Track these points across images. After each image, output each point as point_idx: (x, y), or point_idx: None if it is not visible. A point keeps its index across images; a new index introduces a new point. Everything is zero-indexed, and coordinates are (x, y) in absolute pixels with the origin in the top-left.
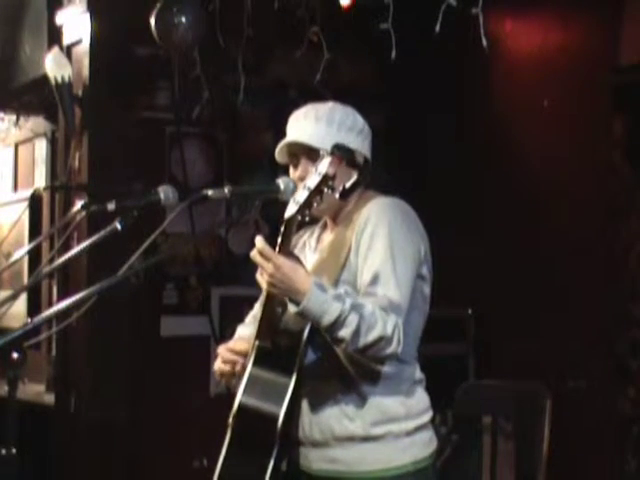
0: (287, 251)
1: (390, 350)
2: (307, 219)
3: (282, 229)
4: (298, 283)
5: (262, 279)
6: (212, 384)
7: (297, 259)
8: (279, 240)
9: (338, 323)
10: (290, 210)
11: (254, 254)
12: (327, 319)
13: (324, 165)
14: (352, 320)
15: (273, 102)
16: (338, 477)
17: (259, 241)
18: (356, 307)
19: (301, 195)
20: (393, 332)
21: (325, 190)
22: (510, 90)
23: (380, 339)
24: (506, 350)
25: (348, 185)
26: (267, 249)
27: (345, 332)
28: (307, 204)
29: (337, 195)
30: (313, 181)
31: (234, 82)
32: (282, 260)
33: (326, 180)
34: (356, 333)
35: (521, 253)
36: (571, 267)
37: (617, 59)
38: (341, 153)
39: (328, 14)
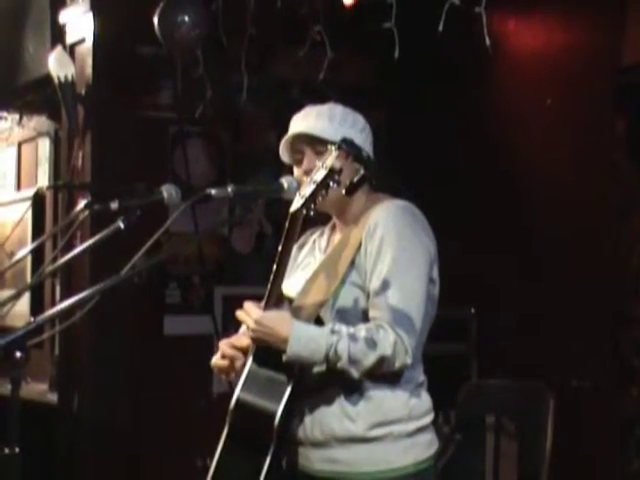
0: (275, 298)
1: (397, 365)
2: (312, 213)
3: (287, 223)
4: (281, 333)
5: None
6: (215, 383)
7: (284, 304)
8: (284, 235)
9: (330, 357)
10: (295, 204)
11: (239, 313)
12: (318, 357)
13: (331, 159)
14: (342, 350)
15: (276, 101)
16: (339, 478)
17: (246, 303)
18: (344, 336)
19: (307, 189)
20: (394, 350)
21: (331, 184)
22: (513, 89)
23: (381, 360)
24: (509, 349)
25: (355, 180)
26: (247, 305)
27: (341, 364)
28: (312, 198)
29: (343, 190)
30: (319, 175)
31: (237, 81)
32: (261, 314)
33: (332, 174)
34: (352, 361)
35: (523, 252)
36: (574, 266)
37: (620, 59)
38: (348, 148)
39: (331, 13)
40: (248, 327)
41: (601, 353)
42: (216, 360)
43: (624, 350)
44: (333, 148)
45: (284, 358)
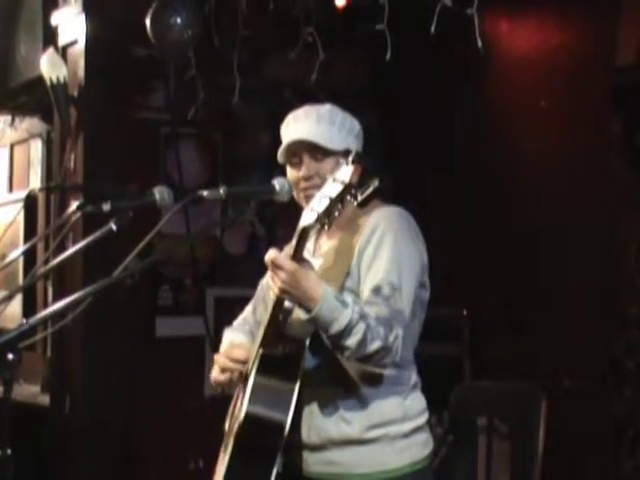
0: (300, 257)
1: (388, 360)
2: (327, 227)
3: (297, 237)
4: (310, 290)
5: (274, 285)
6: (207, 385)
7: (310, 265)
8: (293, 247)
9: (346, 331)
10: (308, 219)
11: (270, 261)
12: (336, 327)
13: (345, 174)
14: (359, 329)
15: (268, 103)
16: (337, 479)
17: (272, 251)
18: (363, 316)
19: (320, 204)
20: (393, 343)
21: (348, 198)
22: (506, 91)
23: (381, 349)
24: (501, 351)
25: (368, 192)
26: (280, 256)
27: (351, 341)
28: (327, 213)
29: (355, 203)
30: (334, 190)
31: (229, 83)
32: (295, 267)
33: (349, 188)
34: (362, 342)
35: (517, 253)
36: (568, 267)
37: (615, 60)
38: (361, 161)
39: (323, 15)
40: (277, 277)
41: (594, 354)
42: (217, 375)
43: (616, 351)
44: (348, 162)
45: (304, 316)
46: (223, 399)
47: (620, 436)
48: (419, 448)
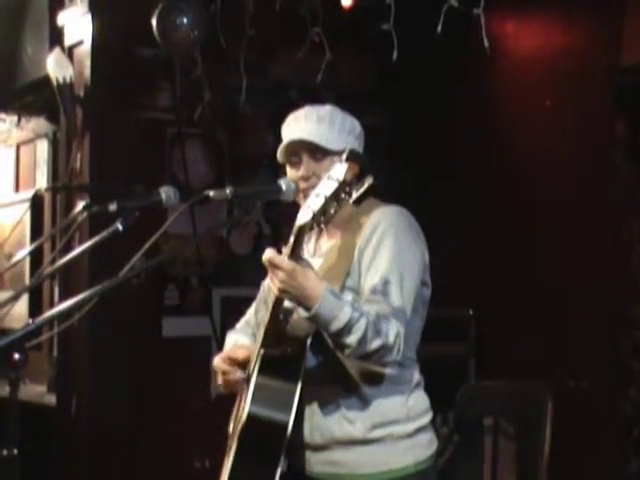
0: (298, 256)
1: (390, 358)
2: (322, 226)
3: (294, 236)
4: (310, 288)
5: (273, 284)
6: (213, 385)
7: (308, 263)
8: (291, 246)
9: (346, 329)
10: (304, 217)
11: (267, 262)
12: (337, 325)
13: (340, 171)
14: (360, 327)
15: (274, 103)
16: None
17: (269, 250)
18: (364, 314)
19: (315, 202)
20: (395, 341)
21: (343, 196)
22: (512, 90)
23: (382, 347)
24: (507, 351)
25: (363, 190)
26: (277, 256)
27: (352, 339)
28: (322, 211)
29: (351, 200)
30: (329, 188)
31: (235, 83)
32: (293, 266)
33: (344, 186)
34: (362, 340)
35: (522, 253)
36: (573, 267)
37: (619, 59)
38: (356, 159)
39: (330, 15)
40: (275, 277)
41: (600, 354)
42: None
43: (622, 351)
44: (342, 159)
45: (304, 314)
46: (229, 399)
47: (626, 436)
48: (423, 448)
